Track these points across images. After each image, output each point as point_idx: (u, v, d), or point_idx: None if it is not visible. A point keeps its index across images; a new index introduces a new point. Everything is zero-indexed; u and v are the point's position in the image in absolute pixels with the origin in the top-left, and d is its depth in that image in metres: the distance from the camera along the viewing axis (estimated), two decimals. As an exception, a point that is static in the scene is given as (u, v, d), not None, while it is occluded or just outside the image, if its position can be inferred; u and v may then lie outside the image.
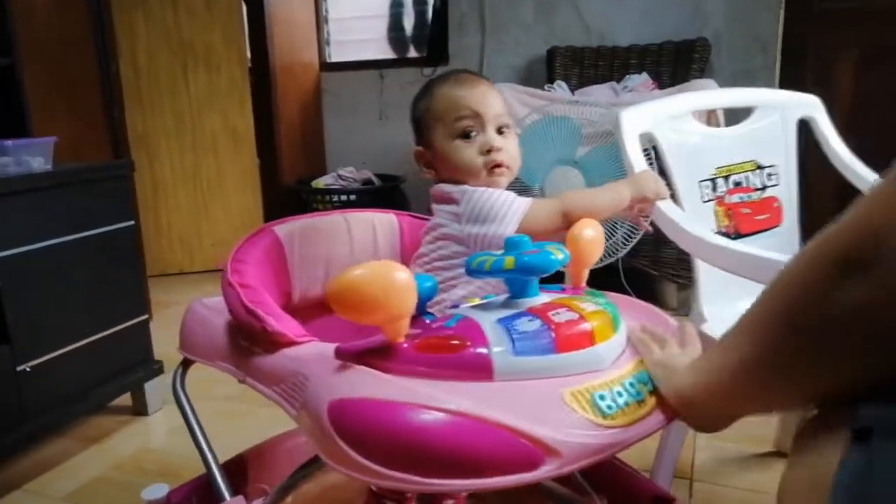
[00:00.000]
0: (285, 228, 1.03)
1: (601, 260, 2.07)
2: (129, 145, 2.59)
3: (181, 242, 3.21)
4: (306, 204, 3.09)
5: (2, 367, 1.36)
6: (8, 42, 1.70)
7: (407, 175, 3.17)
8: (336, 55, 3.60)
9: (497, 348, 0.63)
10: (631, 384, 0.65)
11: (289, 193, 3.26)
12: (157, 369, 1.73)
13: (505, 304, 0.71)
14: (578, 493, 1.01)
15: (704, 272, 1.34)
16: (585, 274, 0.83)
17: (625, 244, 2.09)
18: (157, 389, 1.74)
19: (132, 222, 1.67)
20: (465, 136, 0.93)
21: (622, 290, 2.23)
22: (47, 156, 1.50)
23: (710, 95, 1.94)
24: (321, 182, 3.17)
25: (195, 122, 3.15)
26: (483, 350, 0.62)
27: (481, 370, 0.62)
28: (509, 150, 0.94)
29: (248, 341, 0.80)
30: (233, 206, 3.24)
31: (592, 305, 0.71)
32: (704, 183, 1.40)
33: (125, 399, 1.71)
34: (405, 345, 0.64)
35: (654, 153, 1.50)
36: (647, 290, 2.45)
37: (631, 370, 0.67)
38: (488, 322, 0.66)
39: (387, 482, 0.56)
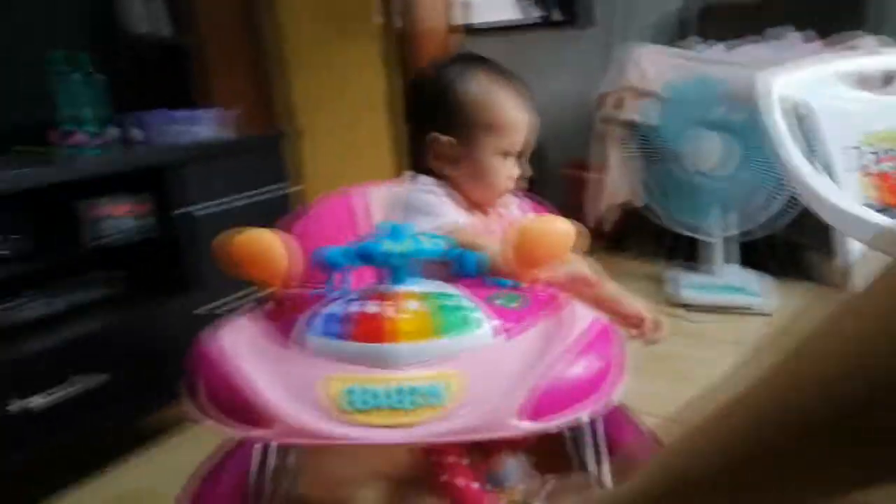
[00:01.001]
0: (381, 190, 1.15)
1: (752, 233, 1.99)
2: (290, 113, 2.78)
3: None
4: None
5: (185, 311, 1.56)
6: (192, 22, 1.89)
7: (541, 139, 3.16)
8: (475, 17, 3.61)
9: (300, 323, 0.70)
10: (399, 391, 0.63)
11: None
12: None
13: (370, 290, 0.74)
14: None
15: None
16: (533, 273, 0.78)
17: (782, 215, 1.97)
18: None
19: (292, 186, 1.82)
20: (506, 155, 0.94)
21: (777, 265, 2.10)
22: (226, 126, 1.67)
23: (862, 58, 1.76)
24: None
25: (343, 85, 3.30)
26: (298, 321, 0.71)
27: (287, 337, 0.71)
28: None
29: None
30: (381, 168, 3.37)
31: (426, 307, 0.69)
32: (850, 151, 1.30)
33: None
34: (271, 301, 0.78)
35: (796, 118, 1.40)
36: (804, 264, 2.30)
37: (417, 379, 0.64)
38: (329, 300, 0.73)
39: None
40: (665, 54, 2.36)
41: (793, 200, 1.87)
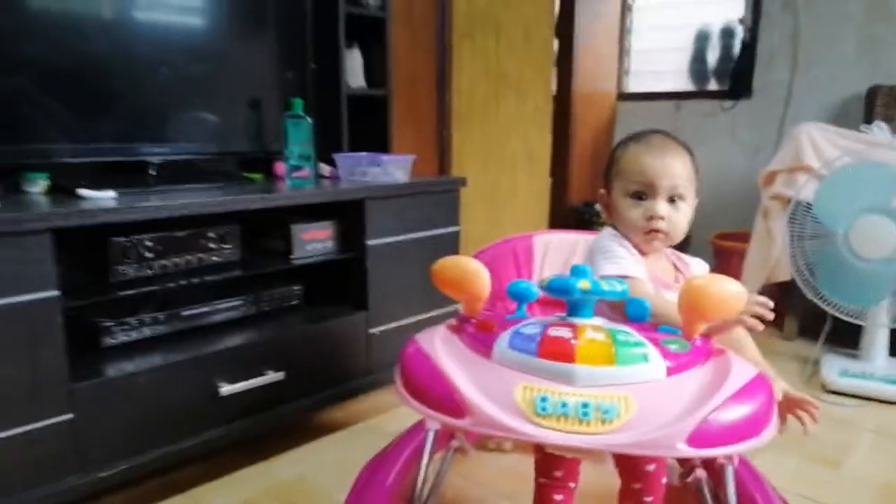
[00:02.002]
0: (543, 238, 1.46)
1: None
2: (451, 160, 3.03)
3: (474, 248, 3.61)
4: (588, 224, 3.29)
5: (360, 328, 1.78)
6: (385, 77, 2.17)
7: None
8: (634, 85, 3.74)
9: (501, 339, 0.85)
10: (585, 405, 0.75)
11: (574, 213, 3.49)
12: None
13: (556, 318, 0.90)
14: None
15: None
16: (701, 327, 0.87)
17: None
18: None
19: (458, 228, 2.02)
20: (638, 197, 1.09)
21: None
22: (407, 170, 1.90)
23: None
24: (606, 205, 3.34)
25: (500, 143, 3.53)
26: (493, 338, 0.86)
27: (488, 350, 0.85)
28: (672, 219, 1.08)
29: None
30: (523, 220, 3.56)
31: (607, 339, 0.82)
32: None
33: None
34: (473, 320, 0.94)
35: None
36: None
37: (600, 398, 0.75)
38: (524, 323, 0.88)
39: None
40: (837, 135, 2.35)
41: None
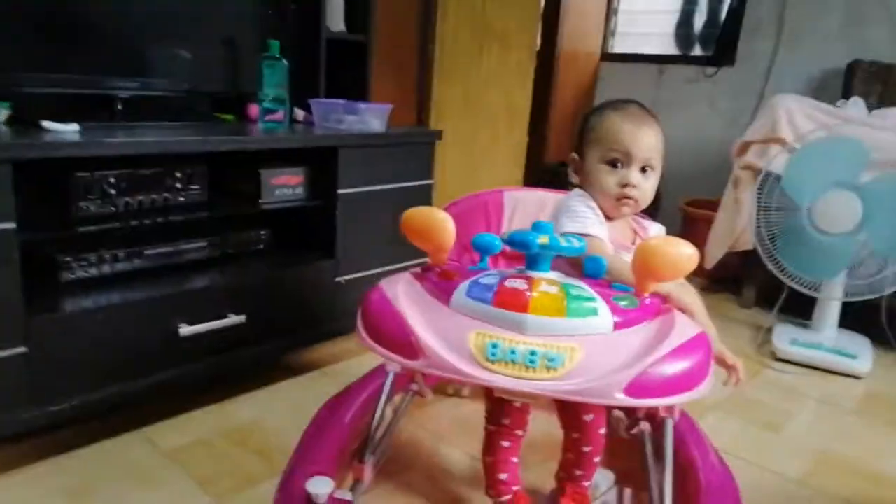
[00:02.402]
0: (512, 194, 1.51)
1: (858, 293, 2.01)
2: (430, 111, 3.00)
3: (449, 200, 3.62)
4: (563, 185, 3.30)
5: (327, 276, 1.79)
6: (366, 23, 2.13)
7: (665, 171, 3.22)
8: (619, 47, 3.71)
9: (460, 288, 0.89)
10: (532, 353, 0.79)
11: (550, 172, 3.49)
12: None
13: (515, 271, 0.95)
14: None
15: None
16: (652, 286, 0.92)
17: (894, 282, 1.99)
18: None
19: (431, 181, 2.02)
20: (612, 164, 1.12)
21: (880, 331, 2.13)
22: (383, 120, 1.88)
23: None
24: (582, 166, 3.36)
25: (480, 95, 3.50)
26: (453, 287, 0.90)
27: (447, 297, 0.89)
28: (643, 188, 1.13)
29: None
30: (499, 174, 3.56)
31: (560, 293, 0.85)
32: None
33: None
34: (437, 269, 0.98)
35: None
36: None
37: (548, 347, 0.80)
38: (484, 274, 0.92)
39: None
40: (813, 108, 2.37)
41: None
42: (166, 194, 1.52)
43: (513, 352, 0.79)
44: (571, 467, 1.14)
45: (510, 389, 0.79)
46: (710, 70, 3.24)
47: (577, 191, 1.18)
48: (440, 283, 0.94)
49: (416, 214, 0.99)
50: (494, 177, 3.55)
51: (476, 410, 1.24)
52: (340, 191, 1.75)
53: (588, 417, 1.11)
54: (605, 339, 0.84)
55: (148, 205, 1.49)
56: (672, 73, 3.40)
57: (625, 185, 1.12)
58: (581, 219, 1.11)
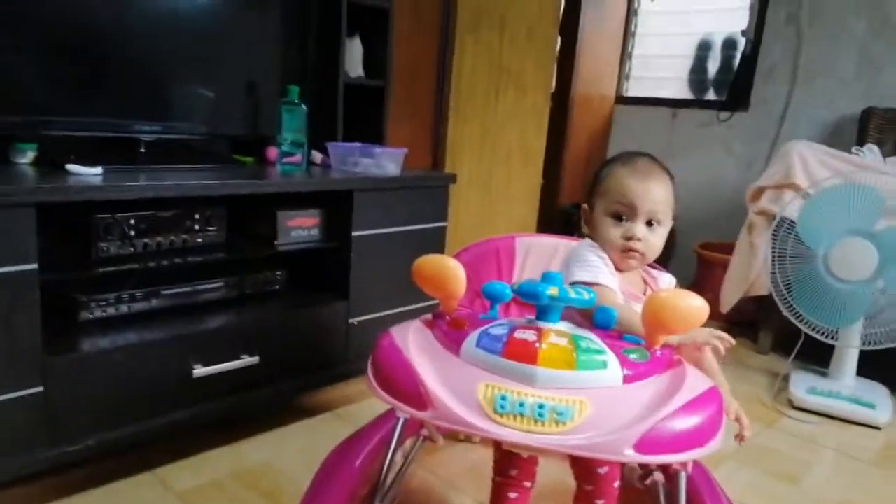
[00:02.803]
0: (525, 240, 1.48)
1: (876, 341, 1.98)
2: (445, 153, 3.04)
3: (464, 241, 3.63)
4: (577, 226, 3.31)
5: (340, 318, 1.80)
6: (384, 69, 2.18)
7: (678, 214, 3.22)
8: (633, 90, 3.75)
9: (470, 338, 0.89)
10: (541, 406, 0.79)
11: (563, 214, 3.51)
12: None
13: (524, 321, 0.95)
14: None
15: None
16: (662, 338, 0.91)
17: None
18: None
19: (445, 223, 2.04)
20: (617, 217, 1.13)
21: (884, 376, 2.08)
22: (398, 163, 1.91)
23: None
24: (596, 207, 3.37)
25: (496, 136, 3.54)
26: (463, 336, 0.90)
27: (457, 347, 0.90)
28: (649, 241, 1.13)
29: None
30: (513, 215, 3.58)
31: (569, 345, 0.85)
32: None
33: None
34: (447, 317, 0.98)
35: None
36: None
37: (557, 400, 0.79)
38: (494, 324, 0.92)
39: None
40: (828, 154, 2.38)
41: None
42: (185, 236, 1.55)
43: (521, 405, 0.79)
44: None
45: (518, 443, 0.79)
46: (725, 114, 3.26)
47: (587, 241, 1.19)
48: (450, 332, 0.94)
49: (427, 263, 1.00)
50: (509, 218, 3.58)
51: (488, 456, 1.23)
52: (355, 233, 1.77)
53: (602, 471, 1.10)
54: (614, 393, 0.84)
55: (166, 246, 1.52)
56: (686, 116, 3.43)
57: (629, 238, 1.12)
58: (592, 268, 1.11)
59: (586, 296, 0.94)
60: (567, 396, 0.80)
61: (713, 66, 3.47)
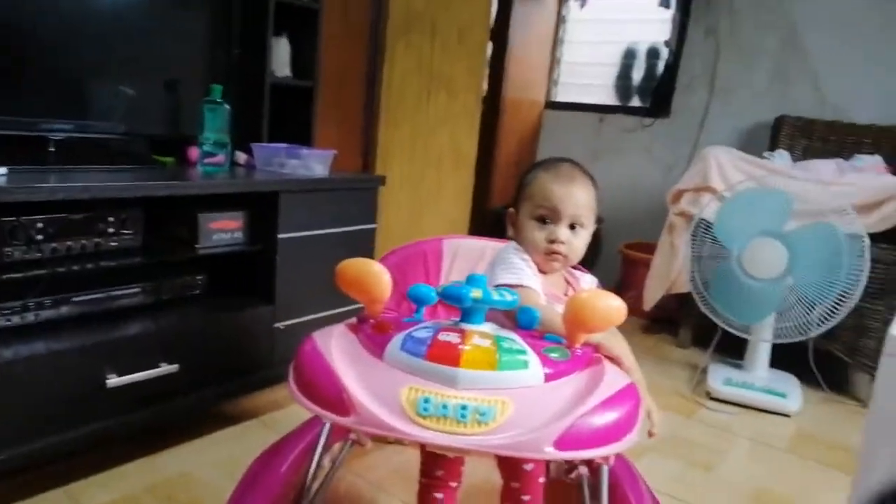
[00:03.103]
0: (452, 242, 1.46)
1: (787, 335, 2.09)
2: (376, 155, 3.02)
3: (396, 243, 3.63)
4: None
5: (265, 322, 1.76)
6: (312, 69, 2.15)
7: (605, 216, 3.31)
8: (562, 96, 3.83)
9: (394, 341, 0.88)
10: (463, 407, 0.79)
11: (494, 215, 3.54)
12: (369, 349, 2.07)
13: (449, 323, 0.94)
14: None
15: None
16: (582, 337, 0.94)
17: (819, 325, 2.07)
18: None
19: (374, 225, 2.03)
20: (541, 220, 1.15)
21: (808, 371, 2.22)
22: (326, 164, 1.89)
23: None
24: (527, 210, 3.42)
25: (427, 139, 3.55)
26: (387, 339, 0.89)
27: (380, 351, 0.88)
28: (572, 244, 1.15)
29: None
30: (445, 217, 3.60)
31: (492, 346, 0.86)
32: None
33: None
34: (371, 321, 0.96)
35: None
36: (837, 375, 2.37)
37: (479, 401, 0.79)
38: (418, 327, 0.91)
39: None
40: (742, 159, 2.50)
41: (831, 312, 2.00)
42: (97, 239, 1.48)
43: (444, 406, 0.79)
44: None
45: (441, 445, 0.79)
46: (648, 121, 3.38)
47: (512, 244, 1.20)
48: (374, 336, 0.93)
49: (350, 267, 0.98)
50: (440, 220, 3.59)
51: (416, 458, 1.23)
52: (281, 235, 1.74)
53: (528, 467, 1.11)
54: (535, 392, 0.84)
55: (78, 250, 1.44)
56: (612, 122, 3.53)
57: (553, 241, 1.14)
58: (515, 270, 1.12)
59: (509, 297, 0.95)
60: (489, 397, 0.81)
61: (638, 74, 3.59)
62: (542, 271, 1.17)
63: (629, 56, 3.60)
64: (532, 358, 0.87)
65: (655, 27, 3.44)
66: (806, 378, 2.31)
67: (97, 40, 1.65)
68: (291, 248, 1.77)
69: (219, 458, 1.59)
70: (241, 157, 1.98)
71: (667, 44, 3.36)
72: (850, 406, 2.26)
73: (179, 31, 1.87)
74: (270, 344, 1.78)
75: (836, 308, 2.03)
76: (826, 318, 2.05)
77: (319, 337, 0.96)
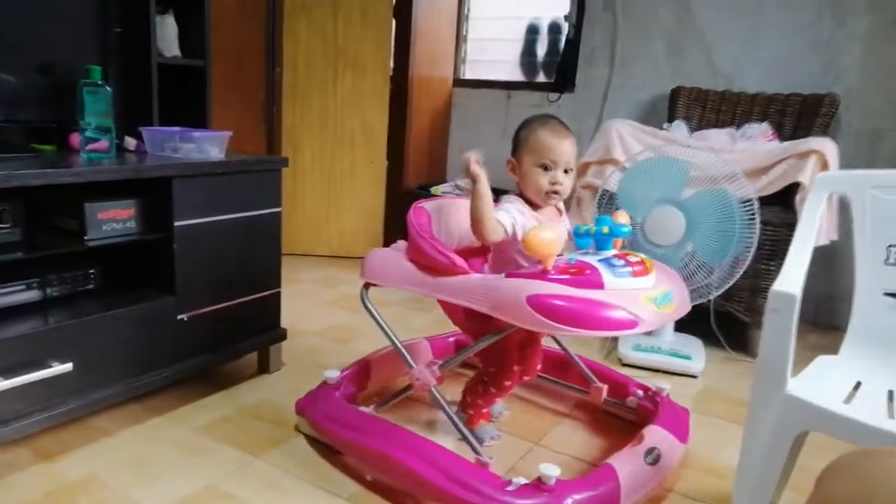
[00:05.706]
0: (430, 205, 1.67)
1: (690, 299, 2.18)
2: (281, 137, 2.94)
3: (311, 227, 3.57)
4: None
5: (166, 314, 1.68)
6: (203, 47, 2.05)
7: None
8: (469, 73, 3.84)
9: (606, 273, 1.30)
10: (665, 295, 1.35)
11: (409, 195, 3.52)
12: (281, 335, 2.03)
13: (595, 254, 1.38)
14: (586, 383, 1.86)
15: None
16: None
17: (717, 287, 2.17)
18: (280, 352, 2.05)
19: (279, 209, 1.96)
20: (545, 168, 1.50)
21: (711, 333, 2.33)
22: (222, 147, 1.81)
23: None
24: (440, 189, 3.42)
25: (337, 120, 3.49)
26: (597, 274, 1.30)
27: (597, 284, 1.29)
28: (566, 185, 1.52)
29: (432, 272, 1.47)
30: (359, 199, 3.56)
31: (637, 257, 1.38)
32: (893, 248, 1.46)
33: (252, 357, 2.02)
34: (553, 271, 1.32)
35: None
36: (737, 335, 2.50)
37: (663, 289, 1.36)
38: (594, 261, 1.33)
39: (562, 332, 1.25)
40: (641, 131, 2.58)
41: (728, 274, 2.10)
42: (-32, 235, 1.37)
43: (664, 297, 1.35)
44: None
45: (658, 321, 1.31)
46: (553, 96, 3.43)
47: (511, 195, 1.54)
48: (579, 277, 1.30)
49: (536, 235, 1.30)
50: (356, 201, 3.55)
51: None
52: (177, 223, 1.66)
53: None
54: (669, 274, 1.52)
55: (-56, 247, 1.33)
56: (519, 98, 3.57)
57: (554, 183, 1.49)
58: (514, 213, 1.48)
59: (624, 228, 1.42)
60: (667, 287, 1.40)
61: (541, 50, 3.63)
62: (541, 206, 1.54)
63: (532, 31, 3.64)
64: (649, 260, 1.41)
65: (556, 2, 3.49)
66: (710, 339, 2.43)
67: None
68: (190, 236, 1.70)
69: (126, 457, 1.51)
70: (132, 142, 1.87)
71: (567, 18, 3.41)
72: (750, 364, 2.39)
73: (54, 10, 1.74)
74: (174, 337, 1.70)
75: (732, 270, 2.13)
76: (723, 281, 2.15)
77: (556, 297, 1.27)
